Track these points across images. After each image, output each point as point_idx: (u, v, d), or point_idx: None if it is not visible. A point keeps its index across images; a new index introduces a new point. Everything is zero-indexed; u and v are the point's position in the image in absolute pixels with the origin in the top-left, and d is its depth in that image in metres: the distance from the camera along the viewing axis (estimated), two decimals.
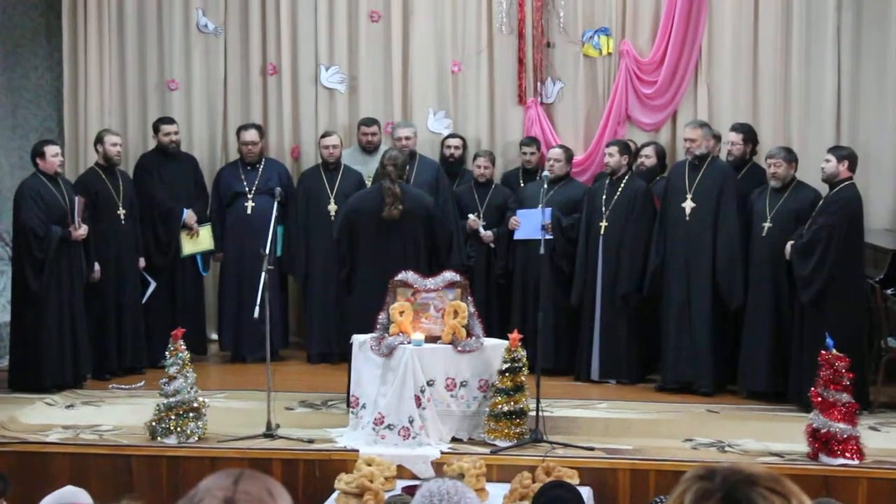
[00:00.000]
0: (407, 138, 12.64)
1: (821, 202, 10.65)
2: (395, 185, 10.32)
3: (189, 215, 12.45)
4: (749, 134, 11.91)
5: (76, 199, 11.27)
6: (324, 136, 12.86)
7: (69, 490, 5.17)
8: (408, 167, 10.86)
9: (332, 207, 12.56)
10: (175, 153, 12.66)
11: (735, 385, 11.25)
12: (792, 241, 10.61)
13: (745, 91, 12.86)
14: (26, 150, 12.40)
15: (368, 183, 12.44)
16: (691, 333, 11.20)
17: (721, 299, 11.16)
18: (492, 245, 12.28)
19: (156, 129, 12.69)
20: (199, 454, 9.11)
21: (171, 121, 12.78)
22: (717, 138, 11.95)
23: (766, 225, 10.96)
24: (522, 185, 12.68)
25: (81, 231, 11.24)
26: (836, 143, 11.82)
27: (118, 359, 11.87)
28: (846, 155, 10.67)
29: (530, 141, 12.89)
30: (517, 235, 12.12)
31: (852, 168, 10.64)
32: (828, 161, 10.62)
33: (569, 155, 12.35)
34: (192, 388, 9.32)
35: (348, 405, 9.96)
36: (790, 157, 11.07)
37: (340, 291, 12.39)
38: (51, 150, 11.37)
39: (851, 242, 10.49)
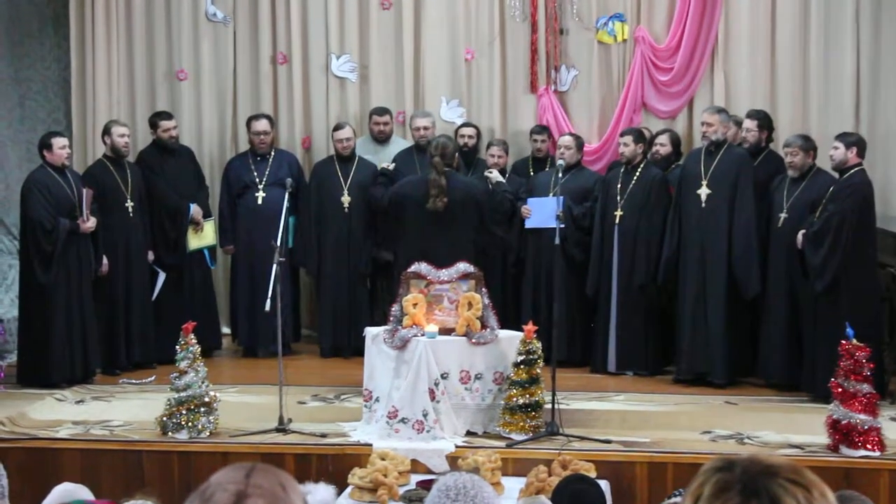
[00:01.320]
0: (425, 128, 12.56)
1: (830, 189, 10.51)
2: (441, 176, 10.21)
3: (195, 210, 12.35)
4: (764, 120, 11.79)
5: (84, 191, 11.18)
6: (336, 128, 12.73)
7: (66, 489, 5.06)
8: (457, 155, 10.74)
9: (346, 199, 12.44)
10: (174, 148, 12.55)
11: (751, 377, 11.13)
12: (803, 230, 10.48)
13: (762, 77, 12.76)
14: (34, 142, 12.32)
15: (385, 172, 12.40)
16: (706, 323, 11.09)
17: (737, 289, 11.03)
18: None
19: (153, 125, 12.51)
20: (210, 449, 9.03)
21: (168, 116, 12.63)
22: (739, 124, 11.82)
23: (783, 215, 10.86)
24: (533, 173, 12.57)
25: (90, 224, 11.14)
26: (856, 130, 11.71)
27: (127, 354, 11.77)
28: (854, 141, 10.56)
29: (541, 129, 12.80)
30: (529, 224, 12.02)
31: (861, 154, 10.54)
32: (836, 148, 10.53)
33: (579, 142, 12.24)
34: (203, 383, 9.24)
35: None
36: (807, 145, 10.94)
37: (354, 284, 12.34)
38: (58, 142, 11.27)
39: (863, 229, 10.40)
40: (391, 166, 12.22)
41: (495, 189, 11.17)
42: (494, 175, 11.49)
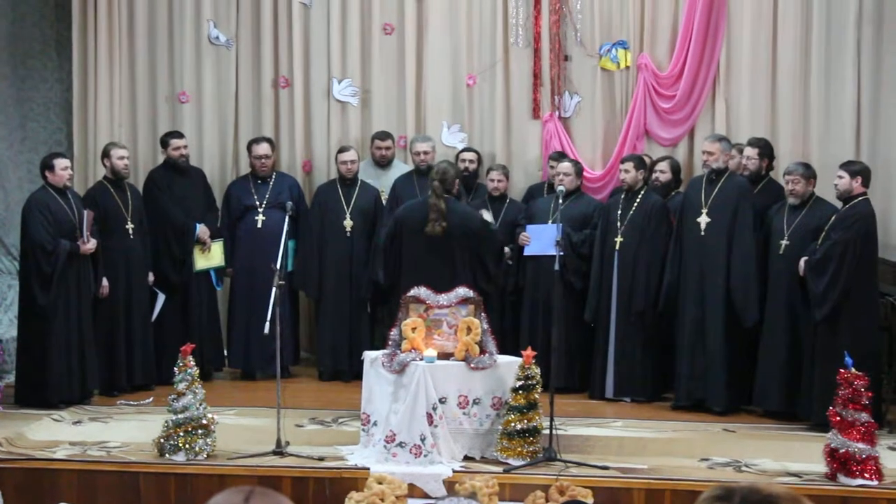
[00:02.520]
0: (425, 153, 12.59)
1: (833, 218, 10.52)
2: (440, 200, 10.22)
3: (202, 230, 12.34)
4: (765, 149, 11.80)
5: (85, 212, 11.17)
6: (341, 150, 12.77)
7: None
8: (458, 181, 10.72)
9: (348, 223, 12.46)
10: (184, 168, 12.55)
11: (749, 405, 11.12)
12: (805, 258, 10.48)
13: (763, 106, 12.79)
14: (35, 162, 12.34)
15: (384, 199, 12.39)
16: (704, 351, 11.09)
17: (736, 316, 11.02)
18: (509, 262, 12.10)
19: (164, 144, 12.56)
20: (207, 471, 8.99)
21: (179, 135, 12.66)
22: (741, 151, 11.83)
23: (784, 242, 10.86)
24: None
25: (90, 245, 11.14)
26: (857, 158, 11.72)
27: (127, 375, 11.75)
28: (859, 170, 10.56)
29: (559, 156, 12.75)
30: (528, 251, 12.04)
31: (866, 183, 10.54)
32: (840, 177, 10.53)
33: (578, 169, 12.26)
34: (201, 405, 9.22)
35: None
36: (808, 173, 10.96)
37: (355, 308, 12.34)
38: (60, 163, 11.26)
39: (866, 259, 10.39)
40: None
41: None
42: (485, 214, 11.53)
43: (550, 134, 13.07)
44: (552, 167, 12.70)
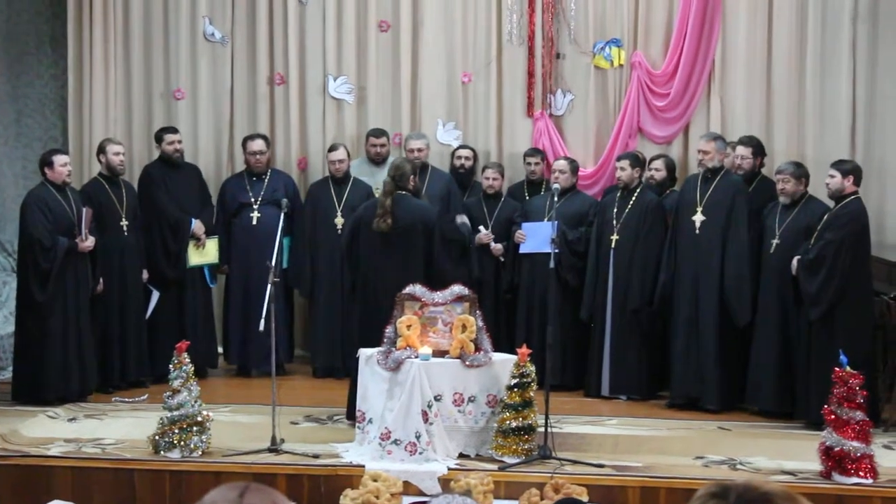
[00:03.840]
0: (419, 150, 12.55)
1: (825, 217, 10.52)
2: (387, 197, 10.16)
3: (197, 225, 12.31)
4: (758, 147, 11.79)
5: (84, 210, 11.15)
6: (331, 149, 12.76)
7: None
8: (414, 177, 10.60)
9: (340, 220, 12.45)
10: (179, 163, 12.54)
11: (743, 403, 11.12)
12: (798, 257, 10.48)
13: (758, 104, 12.78)
14: (30, 159, 12.32)
15: (377, 195, 12.38)
16: (699, 349, 11.09)
17: (729, 315, 11.03)
18: (502, 259, 12.13)
19: (158, 139, 12.53)
20: (202, 468, 9.00)
21: (174, 130, 12.64)
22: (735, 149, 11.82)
23: (775, 242, 10.86)
24: (528, 197, 12.58)
25: (88, 243, 11.13)
26: (851, 156, 11.73)
27: (122, 372, 11.74)
28: (850, 169, 10.56)
29: (534, 152, 12.78)
30: (523, 249, 12.03)
31: (857, 182, 10.54)
32: (832, 176, 10.53)
33: (574, 166, 12.25)
34: (196, 402, 9.22)
35: (348, 418, 10.05)
36: (799, 172, 10.94)
37: (346, 305, 12.33)
38: (59, 159, 11.25)
39: (859, 257, 10.40)
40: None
41: (458, 227, 11.16)
42: (460, 218, 11.52)
43: (540, 132, 13.06)
44: (528, 164, 12.75)
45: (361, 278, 10.28)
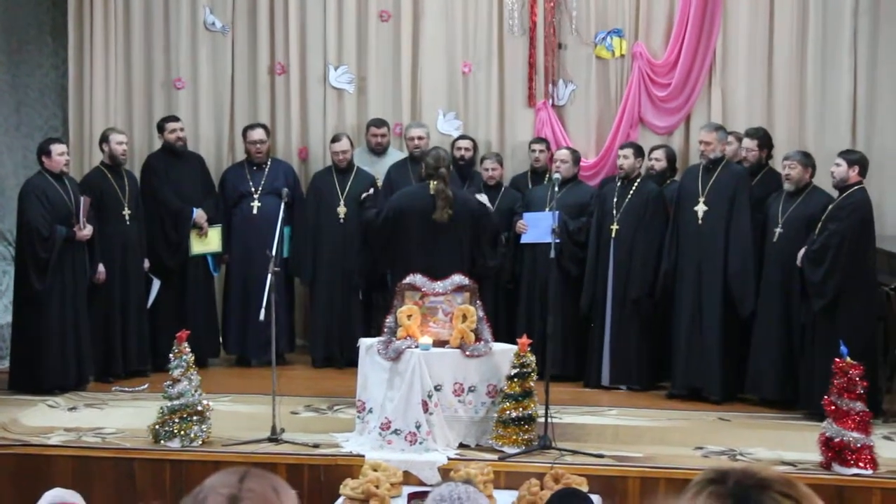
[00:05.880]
0: (419, 138, 12.52)
1: (830, 207, 10.50)
2: (448, 188, 10.14)
3: (199, 214, 12.30)
4: (764, 139, 11.78)
5: (82, 198, 11.14)
6: (333, 140, 12.72)
7: (57, 493, 5.05)
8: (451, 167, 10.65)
9: (342, 210, 12.44)
10: (182, 152, 12.52)
11: (745, 393, 11.12)
12: (805, 248, 10.47)
13: (759, 94, 12.75)
14: (30, 148, 12.30)
15: (379, 184, 12.35)
16: (701, 339, 11.08)
17: (732, 305, 11.02)
18: (503, 249, 12.10)
19: (161, 128, 12.53)
20: (202, 458, 8.99)
21: (175, 118, 12.64)
22: (740, 140, 11.78)
23: (778, 230, 10.85)
24: (531, 186, 12.56)
25: (86, 231, 11.12)
26: (852, 148, 11.70)
27: (123, 361, 11.73)
28: (856, 159, 10.54)
29: (539, 140, 12.77)
30: (524, 239, 12.01)
31: (863, 173, 10.53)
32: (838, 165, 10.51)
33: (576, 156, 12.23)
34: (196, 391, 9.22)
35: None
36: (807, 161, 10.92)
37: (347, 295, 12.33)
38: (57, 148, 11.25)
39: (862, 248, 10.39)
40: (371, 192, 12.21)
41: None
42: (482, 197, 11.50)
43: (543, 122, 13.04)
44: (533, 151, 12.76)
45: (400, 267, 10.08)
